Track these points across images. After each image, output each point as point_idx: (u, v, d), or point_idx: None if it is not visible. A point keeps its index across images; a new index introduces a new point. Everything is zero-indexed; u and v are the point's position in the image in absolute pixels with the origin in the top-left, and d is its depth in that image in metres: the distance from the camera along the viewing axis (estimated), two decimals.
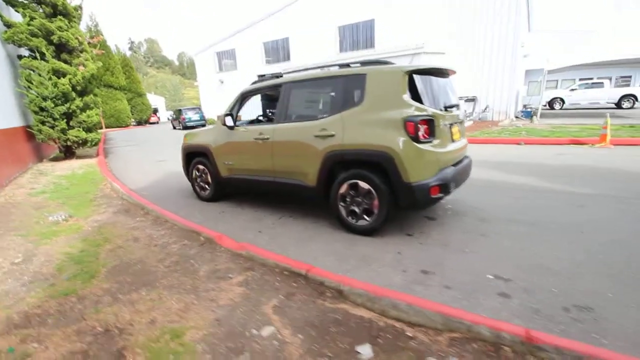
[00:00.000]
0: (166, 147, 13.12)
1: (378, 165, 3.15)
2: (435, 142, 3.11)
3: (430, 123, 3.03)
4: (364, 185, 3.26)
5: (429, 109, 3.06)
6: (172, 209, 4.64)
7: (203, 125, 24.05)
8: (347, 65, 3.53)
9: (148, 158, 10.11)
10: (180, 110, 23.85)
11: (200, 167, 4.91)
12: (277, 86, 4.01)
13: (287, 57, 22.95)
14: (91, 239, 3.57)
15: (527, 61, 18.12)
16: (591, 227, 3.29)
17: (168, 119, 43.60)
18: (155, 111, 37.54)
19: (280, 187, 4.00)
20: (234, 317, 2.09)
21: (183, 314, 2.13)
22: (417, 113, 3.00)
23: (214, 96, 27.40)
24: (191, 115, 23.42)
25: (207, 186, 4.93)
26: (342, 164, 3.38)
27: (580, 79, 21.98)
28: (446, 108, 3.33)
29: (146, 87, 36.15)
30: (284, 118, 3.85)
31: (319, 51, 20.77)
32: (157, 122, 37.58)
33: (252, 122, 4.77)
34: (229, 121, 4.24)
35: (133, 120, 29.68)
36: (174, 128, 24.75)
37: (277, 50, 23.51)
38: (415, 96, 3.08)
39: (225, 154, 4.48)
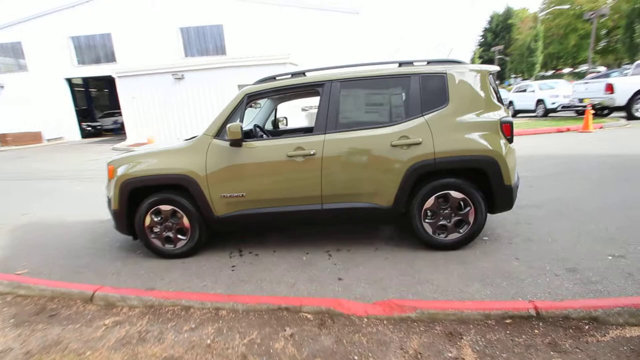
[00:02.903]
0: None
1: (475, 171, 2.93)
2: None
3: (512, 123, 3.06)
4: (456, 195, 2.95)
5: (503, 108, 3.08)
6: (129, 283, 2.83)
7: None
8: (411, 63, 3.09)
9: None
10: None
11: (166, 208, 3.18)
12: (313, 85, 3.08)
13: (110, 58, 18.44)
14: None
15: None
16: (575, 200, 4.16)
17: None
18: None
19: (331, 215, 3.10)
20: None
21: None
22: (507, 114, 2.97)
23: None
24: None
25: (180, 235, 3.26)
26: (427, 175, 2.94)
27: None
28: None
29: None
30: (334, 126, 2.99)
31: (158, 53, 17.72)
32: None
33: (249, 134, 3.48)
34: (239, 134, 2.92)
35: None
36: None
37: (95, 49, 18.50)
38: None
39: (227, 183, 3.07)
